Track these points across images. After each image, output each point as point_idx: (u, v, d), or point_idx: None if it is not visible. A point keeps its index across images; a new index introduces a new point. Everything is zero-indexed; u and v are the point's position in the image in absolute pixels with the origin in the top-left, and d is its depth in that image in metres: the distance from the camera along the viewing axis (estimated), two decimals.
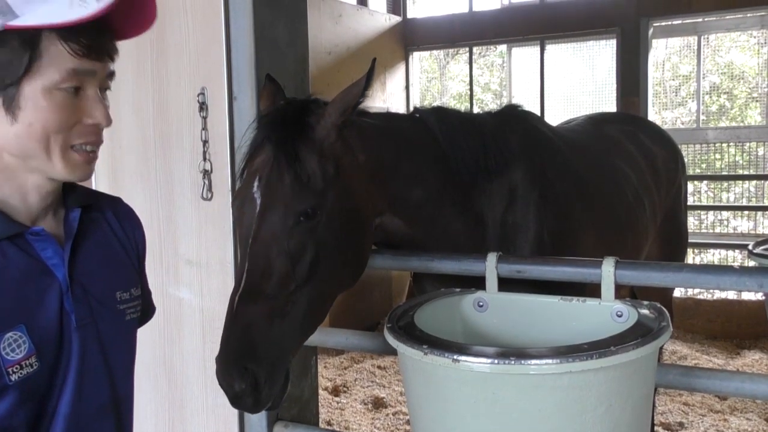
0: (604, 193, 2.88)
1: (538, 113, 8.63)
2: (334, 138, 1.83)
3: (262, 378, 1.64)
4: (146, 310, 1.58)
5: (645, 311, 1.60)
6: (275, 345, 1.68)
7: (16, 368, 1.20)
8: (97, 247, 1.41)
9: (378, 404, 5.43)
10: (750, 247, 2.25)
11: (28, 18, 1.17)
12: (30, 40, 1.19)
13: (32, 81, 1.21)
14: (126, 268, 1.49)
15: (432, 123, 2.19)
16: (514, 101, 5.24)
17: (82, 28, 1.21)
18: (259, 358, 1.64)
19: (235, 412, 2.31)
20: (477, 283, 1.94)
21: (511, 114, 2.60)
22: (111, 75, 1.33)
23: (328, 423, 4.99)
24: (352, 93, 1.83)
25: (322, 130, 1.82)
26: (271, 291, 1.68)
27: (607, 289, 1.75)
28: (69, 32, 1.21)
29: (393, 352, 1.81)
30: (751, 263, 2.45)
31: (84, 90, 1.26)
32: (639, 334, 1.45)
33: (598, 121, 3.77)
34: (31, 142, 1.23)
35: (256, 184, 1.75)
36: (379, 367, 6.19)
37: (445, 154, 2.16)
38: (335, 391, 5.71)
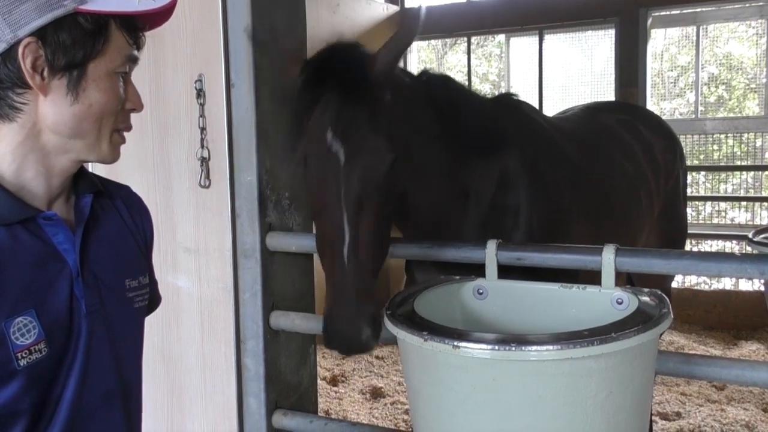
0: (598, 183, 2.87)
1: (537, 103, 8.61)
2: (386, 87, 1.83)
3: (377, 317, 1.70)
4: (153, 300, 1.58)
5: (645, 298, 1.59)
6: (374, 283, 1.76)
7: (25, 353, 1.20)
8: (107, 233, 1.42)
9: (376, 394, 5.43)
10: (750, 236, 2.24)
11: (98, 4, 1.26)
12: (103, 24, 1.28)
13: (98, 63, 1.28)
14: (135, 256, 1.49)
15: (438, 89, 2.18)
16: (512, 91, 5.20)
17: (137, 20, 1.32)
18: (372, 298, 1.71)
19: (233, 399, 2.31)
20: (463, 272, 1.93)
21: (506, 102, 2.60)
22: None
23: (326, 412, 4.99)
24: (402, 41, 1.82)
25: (378, 79, 1.80)
26: (371, 237, 1.73)
27: (608, 276, 1.74)
28: (129, 22, 1.31)
29: (392, 340, 1.81)
30: (753, 251, 2.44)
31: (127, 77, 1.36)
32: (640, 320, 1.44)
33: (594, 110, 3.76)
34: (88, 123, 1.30)
35: (330, 137, 1.72)
36: (377, 357, 6.20)
37: (445, 122, 2.14)
38: (333, 381, 5.71)
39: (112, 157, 1.37)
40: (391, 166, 1.76)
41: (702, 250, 8.80)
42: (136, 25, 1.34)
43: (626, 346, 1.36)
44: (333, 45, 1.89)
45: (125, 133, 1.41)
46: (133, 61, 1.35)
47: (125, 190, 1.55)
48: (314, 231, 1.89)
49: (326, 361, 6.09)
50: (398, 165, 1.79)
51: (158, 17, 1.38)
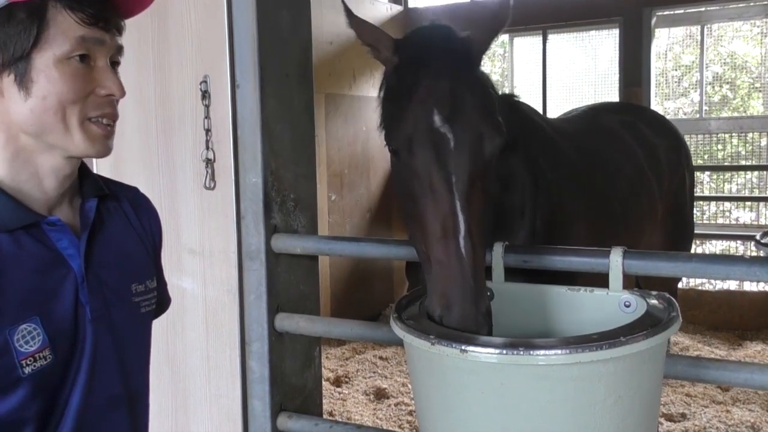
0: (598, 185, 2.88)
1: (540, 103, 8.59)
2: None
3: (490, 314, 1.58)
4: (162, 302, 1.56)
5: (654, 301, 1.59)
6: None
7: (30, 360, 1.18)
8: (113, 238, 1.39)
9: (380, 395, 5.42)
10: (758, 237, 2.22)
11: None
12: (36, 11, 1.20)
13: (42, 52, 1.21)
14: (142, 259, 1.46)
15: None
16: (515, 91, 5.18)
17: None
18: (486, 292, 1.58)
19: (238, 402, 2.30)
20: None
21: (506, 103, 2.59)
22: (120, 49, 1.32)
23: (330, 413, 4.99)
24: (496, 23, 1.72)
25: (478, 59, 1.73)
26: (481, 225, 1.60)
27: (615, 279, 1.73)
28: (74, 1, 1.21)
29: (398, 342, 1.81)
30: (760, 254, 2.42)
31: (95, 61, 1.26)
32: (648, 324, 1.43)
33: (597, 111, 3.75)
34: (48, 116, 1.23)
35: (437, 118, 1.58)
36: (380, 358, 6.19)
37: None
38: (337, 382, 5.70)
39: (95, 149, 1.28)
40: (499, 150, 1.65)
41: (706, 250, 8.77)
42: (89, 3, 1.23)
43: (635, 350, 1.35)
44: (428, 26, 1.81)
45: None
46: (97, 43, 1.25)
47: (133, 191, 1.52)
48: (407, 217, 1.72)
49: (330, 362, 6.08)
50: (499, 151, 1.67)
51: (133, 1, 1.31)
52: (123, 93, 1.30)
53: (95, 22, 1.24)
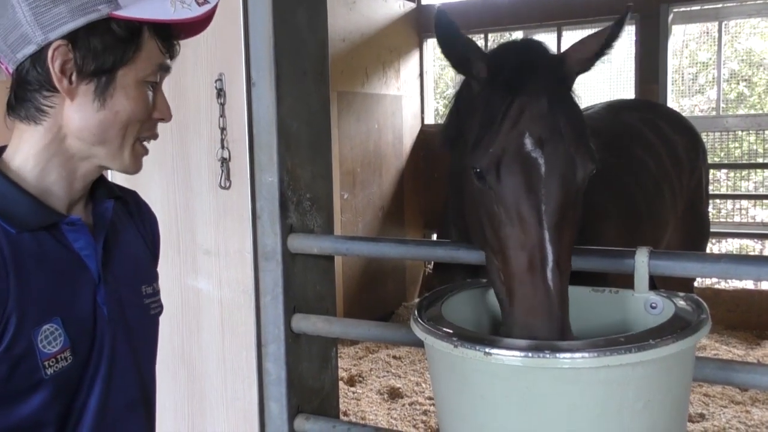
0: (624, 183, 2.84)
1: None
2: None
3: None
4: None
5: (682, 303, 1.55)
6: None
7: (52, 362, 1.19)
8: (123, 239, 1.40)
9: (394, 394, 5.39)
10: None
11: (132, 10, 1.22)
12: (136, 33, 1.25)
13: (128, 71, 1.25)
14: (148, 262, 1.48)
15: None
16: None
17: (172, 28, 1.28)
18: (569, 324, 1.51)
19: (254, 404, 2.28)
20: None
21: None
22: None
23: (344, 413, 4.96)
24: (594, 43, 1.65)
25: (572, 81, 1.65)
26: (569, 257, 1.53)
27: (641, 280, 1.69)
28: (164, 30, 1.27)
29: (414, 342, 1.77)
30: None
31: (157, 86, 1.32)
32: (677, 327, 1.39)
33: (616, 108, 3.72)
34: (113, 130, 1.27)
35: (529, 141, 1.50)
36: (394, 357, 6.16)
37: None
38: (351, 381, 5.68)
39: (134, 167, 1.34)
40: (588, 179, 1.59)
41: (722, 248, 8.68)
42: (170, 34, 1.30)
43: (665, 354, 1.31)
44: (520, 42, 1.73)
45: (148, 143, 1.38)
46: (165, 70, 1.31)
47: (134, 195, 1.54)
48: (487, 238, 1.62)
49: (343, 362, 6.06)
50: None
51: (194, 26, 1.34)
52: (171, 117, 1.35)
53: (171, 51, 1.31)
